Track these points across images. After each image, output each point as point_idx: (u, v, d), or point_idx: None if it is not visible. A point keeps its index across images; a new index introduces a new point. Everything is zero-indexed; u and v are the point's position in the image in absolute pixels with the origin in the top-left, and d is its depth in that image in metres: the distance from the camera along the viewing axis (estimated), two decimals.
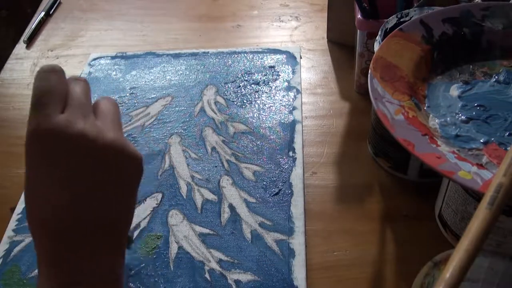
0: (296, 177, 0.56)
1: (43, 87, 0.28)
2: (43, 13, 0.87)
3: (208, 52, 0.76)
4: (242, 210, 0.53)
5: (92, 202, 0.27)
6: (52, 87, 0.28)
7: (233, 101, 0.67)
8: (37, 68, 0.77)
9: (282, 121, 0.63)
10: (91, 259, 0.27)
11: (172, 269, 0.49)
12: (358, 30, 0.60)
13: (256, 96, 0.67)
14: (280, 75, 0.70)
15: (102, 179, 0.28)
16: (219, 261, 0.49)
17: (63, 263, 0.27)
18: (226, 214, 0.53)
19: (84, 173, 0.27)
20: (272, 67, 0.72)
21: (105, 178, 0.28)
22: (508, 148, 0.41)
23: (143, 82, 0.71)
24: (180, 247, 0.50)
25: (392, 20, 0.55)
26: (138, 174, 0.30)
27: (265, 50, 0.75)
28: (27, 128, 0.27)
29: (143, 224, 0.53)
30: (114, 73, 0.74)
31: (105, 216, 0.28)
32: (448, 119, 0.44)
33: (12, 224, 0.54)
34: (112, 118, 0.30)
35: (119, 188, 0.29)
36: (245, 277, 0.47)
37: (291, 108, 0.65)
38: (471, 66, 0.49)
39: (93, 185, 0.27)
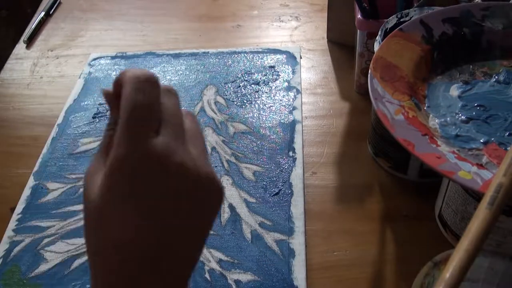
0: (296, 177, 0.56)
1: (140, 101, 0.23)
2: (43, 13, 0.87)
3: (208, 52, 0.76)
4: (242, 210, 0.53)
5: (174, 237, 0.25)
6: (149, 103, 0.24)
7: (233, 101, 0.67)
8: (37, 68, 0.77)
9: (282, 121, 0.63)
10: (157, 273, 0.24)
11: None
12: (358, 30, 0.60)
13: (256, 96, 0.67)
14: (280, 75, 0.70)
15: (189, 214, 0.25)
16: (219, 261, 0.49)
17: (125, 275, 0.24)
18: (226, 214, 0.53)
19: (174, 207, 0.24)
20: (272, 67, 0.72)
21: (192, 213, 0.25)
22: (508, 148, 0.41)
23: None
24: None
25: (392, 20, 0.55)
26: (219, 207, 0.27)
27: (265, 50, 0.75)
28: (115, 148, 0.23)
29: None
30: (114, 73, 0.74)
31: (182, 252, 0.25)
32: (448, 119, 0.44)
33: (12, 224, 0.54)
34: (201, 141, 0.27)
35: (201, 222, 0.26)
36: (245, 277, 0.47)
37: (291, 108, 0.65)
38: (471, 66, 0.49)
39: (179, 220, 0.25)
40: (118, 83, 0.25)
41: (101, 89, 0.25)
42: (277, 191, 0.55)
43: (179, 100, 0.27)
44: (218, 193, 0.26)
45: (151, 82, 0.24)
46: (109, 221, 0.24)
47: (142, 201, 0.23)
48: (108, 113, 0.67)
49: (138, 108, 0.23)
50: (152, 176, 0.23)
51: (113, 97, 0.26)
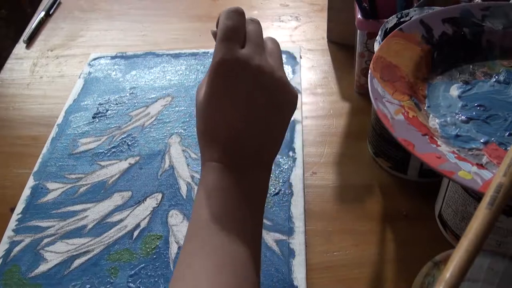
0: (296, 177, 0.56)
1: (229, 25, 0.32)
2: (43, 13, 0.87)
3: (208, 52, 0.76)
4: None
5: (259, 126, 0.32)
6: (236, 26, 0.33)
7: None
8: (37, 68, 0.77)
9: None
10: (248, 168, 0.33)
11: (172, 269, 0.49)
12: (358, 30, 0.60)
13: None
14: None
15: (269, 107, 0.33)
16: None
17: (233, 176, 0.32)
18: None
19: (257, 99, 0.32)
20: None
21: (271, 107, 0.33)
22: (508, 148, 0.41)
23: (143, 82, 0.71)
24: (180, 247, 0.50)
25: (392, 20, 0.55)
26: (294, 107, 0.35)
27: None
28: (214, 57, 0.32)
29: (143, 224, 0.53)
30: (114, 73, 0.74)
31: (265, 138, 0.33)
32: (448, 119, 0.44)
33: (12, 224, 0.54)
34: (278, 56, 0.35)
35: (280, 116, 0.34)
36: None
37: None
38: (471, 66, 0.49)
39: (262, 111, 0.32)
40: (218, 19, 0.34)
41: (210, 31, 0.36)
42: (277, 191, 0.55)
43: (261, 27, 0.35)
44: (292, 94, 0.34)
45: (237, 12, 0.33)
46: (213, 110, 0.32)
47: (236, 96, 0.32)
48: (107, 112, 0.67)
49: (228, 29, 0.32)
50: (239, 74, 0.32)
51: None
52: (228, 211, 0.31)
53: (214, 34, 0.35)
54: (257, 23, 0.35)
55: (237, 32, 0.33)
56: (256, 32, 0.34)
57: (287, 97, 0.34)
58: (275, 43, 0.36)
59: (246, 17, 0.35)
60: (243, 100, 0.32)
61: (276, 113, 0.33)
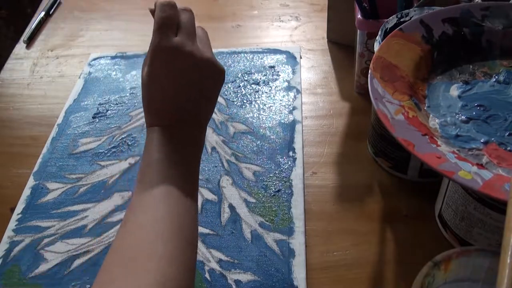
0: (296, 177, 0.56)
1: (163, 16, 0.38)
2: (43, 13, 0.87)
3: None
4: (242, 210, 0.53)
5: (191, 97, 0.39)
6: (168, 17, 0.38)
7: (233, 101, 0.67)
8: (37, 68, 0.77)
9: (282, 121, 0.63)
10: (184, 127, 0.40)
11: None
12: (358, 30, 0.60)
13: (256, 96, 0.67)
14: (280, 75, 0.70)
15: (198, 81, 0.39)
16: (219, 261, 0.49)
17: (170, 132, 0.39)
18: (226, 214, 0.53)
19: (188, 76, 0.39)
20: (272, 67, 0.72)
21: (200, 81, 0.40)
22: (509, 148, 0.41)
23: None
24: None
25: (392, 20, 0.55)
26: (222, 82, 0.42)
27: (265, 50, 0.75)
28: (151, 43, 0.38)
29: None
30: (114, 73, 0.74)
31: (198, 108, 0.40)
32: (448, 119, 0.44)
33: (12, 224, 0.54)
34: (207, 41, 0.42)
35: (210, 91, 0.41)
36: (245, 277, 0.47)
37: (291, 108, 0.65)
38: (471, 66, 0.49)
39: (193, 84, 0.39)
40: (153, 8, 0.39)
41: (148, 9, 0.41)
42: (277, 191, 0.55)
43: (193, 15, 0.40)
44: (219, 71, 0.41)
45: (169, 5, 0.38)
46: (153, 87, 0.39)
47: (170, 75, 0.38)
48: (108, 112, 0.67)
49: (162, 20, 0.38)
50: (173, 59, 0.38)
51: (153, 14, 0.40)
52: (168, 155, 0.38)
53: (152, 12, 0.40)
54: (189, 12, 0.40)
55: (169, 22, 0.38)
56: (188, 20, 0.40)
57: (214, 73, 0.41)
58: (204, 31, 0.43)
59: (184, 7, 0.40)
60: (176, 77, 0.38)
61: (206, 85, 0.40)
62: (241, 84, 0.69)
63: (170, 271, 0.31)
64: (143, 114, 0.66)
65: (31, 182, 0.59)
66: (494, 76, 0.47)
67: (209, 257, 0.49)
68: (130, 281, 0.30)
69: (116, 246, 0.33)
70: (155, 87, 0.39)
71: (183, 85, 0.39)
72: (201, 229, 0.52)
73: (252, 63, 0.73)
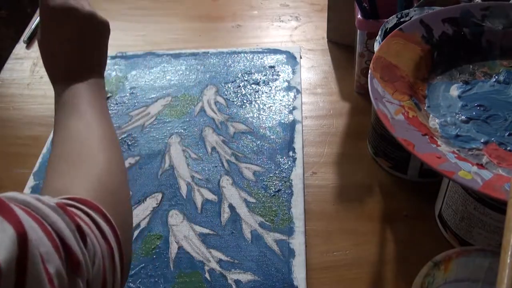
0: (296, 177, 0.56)
1: None
2: None
3: (208, 52, 0.76)
4: (242, 210, 0.53)
5: (80, 47, 0.43)
6: None
7: (233, 101, 0.67)
8: (37, 68, 0.77)
9: (282, 121, 0.63)
10: (83, 75, 0.44)
11: (172, 269, 0.49)
12: (358, 30, 0.60)
13: (256, 96, 0.67)
14: (280, 75, 0.70)
15: (84, 34, 0.43)
16: (219, 261, 0.49)
17: (67, 79, 0.43)
18: (226, 214, 0.53)
19: (75, 31, 0.43)
20: (272, 67, 0.72)
21: (86, 33, 0.43)
22: (509, 148, 0.41)
23: (143, 82, 0.71)
24: (180, 247, 0.50)
25: (392, 20, 0.55)
26: (107, 32, 0.46)
27: (265, 50, 0.75)
28: (40, 5, 0.42)
29: (143, 224, 0.53)
30: (114, 73, 0.74)
31: (90, 55, 0.44)
32: (448, 119, 0.44)
33: None
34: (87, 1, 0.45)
35: (97, 41, 0.45)
36: (245, 277, 0.47)
37: (291, 108, 0.65)
38: (471, 66, 0.49)
39: (81, 37, 0.43)
40: None
41: None
42: (277, 191, 0.55)
43: None
44: (103, 23, 0.45)
45: None
46: (46, 45, 0.44)
47: (58, 30, 0.43)
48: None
49: None
50: (60, 16, 0.42)
51: None
52: (76, 96, 0.42)
53: None
54: None
55: None
56: None
57: (98, 24, 0.44)
58: None
59: None
60: (62, 34, 0.43)
61: (92, 36, 0.44)
62: (241, 84, 0.69)
63: (107, 159, 0.37)
64: (143, 114, 0.66)
65: (31, 182, 0.59)
66: (494, 76, 0.47)
67: (209, 257, 0.49)
68: (77, 166, 0.36)
69: (54, 152, 0.39)
70: (48, 48, 0.44)
71: (71, 40, 0.43)
72: (201, 229, 0.52)
73: (252, 63, 0.73)
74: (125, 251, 0.33)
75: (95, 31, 0.44)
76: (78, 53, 0.43)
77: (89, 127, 0.39)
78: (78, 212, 0.30)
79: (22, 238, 0.23)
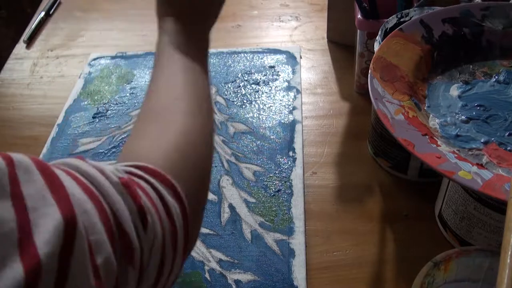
0: (296, 177, 0.56)
1: None
2: (43, 13, 0.87)
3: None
4: (242, 210, 0.53)
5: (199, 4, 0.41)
6: None
7: (233, 101, 0.67)
8: (37, 68, 0.77)
9: (282, 121, 0.63)
10: (195, 22, 0.41)
11: None
12: (358, 30, 0.60)
13: (256, 96, 0.67)
14: (280, 75, 0.70)
15: None
16: (219, 261, 0.49)
17: (183, 21, 0.40)
18: (226, 214, 0.53)
19: None
20: (272, 67, 0.72)
21: None
22: (509, 148, 0.41)
23: (143, 82, 0.71)
24: None
25: (392, 20, 0.55)
26: None
27: (265, 50, 0.75)
28: None
29: None
30: (114, 73, 0.74)
31: (209, 7, 0.42)
32: (448, 119, 0.44)
33: None
34: None
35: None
36: (245, 277, 0.47)
37: (291, 108, 0.65)
38: (471, 66, 0.49)
39: None
40: None
41: None
42: (277, 191, 0.55)
43: None
44: None
45: None
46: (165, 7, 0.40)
47: None
48: (108, 112, 0.67)
49: None
50: None
51: None
52: (186, 43, 0.39)
53: None
54: None
55: None
56: None
57: None
58: None
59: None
60: None
61: None
62: (241, 84, 0.69)
63: (192, 122, 0.34)
64: None
65: None
66: (494, 76, 0.47)
67: (209, 257, 0.49)
68: (160, 129, 0.33)
69: (146, 105, 0.37)
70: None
71: None
72: (201, 229, 0.52)
73: (252, 63, 0.73)
74: (191, 232, 0.30)
75: None
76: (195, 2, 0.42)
77: (180, 85, 0.36)
78: (144, 185, 0.28)
79: (70, 226, 0.21)
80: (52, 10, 0.89)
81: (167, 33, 0.39)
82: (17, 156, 0.22)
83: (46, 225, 0.20)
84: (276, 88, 0.68)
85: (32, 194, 0.21)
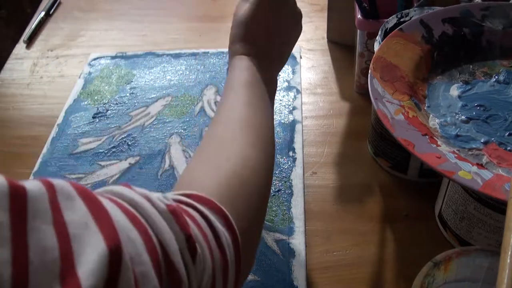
0: (296, 177, 0.56)
1: None
2: (43, 13, 0.87)
3: (208, 52, 0.76)
4: None
5: (283, 38, 0.45)
6: None
7: None
8: (37, 68, 0.77)
9: (282, 121, 0.63)
10: (271, 64, 0.44)
11: None
12: (358, 30, 0.60)
13: None
14: (280, 75, 0.70)
15: (291, 29, 0.46)
16: None
17: (261, 59, 0.43)
18: None
19: (286, 22, 0.45)
20: None
21: (292, 29, 0.46)
22: (509, 148, 0.41)
23: (143, 82, 0.71)
24: None
25: (392, 20, 0.55)
26: (299, 35, 0.48)
27: None
28: None
29: None
30: (114, 73, 0.74)
31: (284, 49, 0.46)
32: (448, 119, 0.44)
33: None
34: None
35: (294, 38, 0.47)
36: None
37: (291, 108, 0.65)
38: (471, 66, 0.49)
39: (287, 30, 0.45)
40: None
41: None
42: (277, 191, 0.55)
43: None
44: (300, 26, 0.47)
45: None
46: (257, 20, 0.43)
47: (274, 15, 0.43)
48: (108, 112, 0.67)
49: None
50: (280, 4, 0.44)
51: None
52: (256, 80, 0.41)
53: None
54: None
55: None
56: None
57: (299, 24, 0.47)
58: None
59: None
60: (279, 19, 0.43)
61: (294, 35, 0.46)
62: None
63: (251, 152, 0.35)
64: (143, 114, 0.66)
65: None
66: (494, 76, 0.47)
67: None
68: (219, 157, 0.34)
69: (208, 133, 0.38)
70: (258, 21, 0.43)
71: (281, 27, 0.44)
72: None
73: None
74: (243, 262, 0.29)
75: (298, 29, 0.47)
76: (280, 37, 0.44)
77: (245, 116, 0.37)
78: (193, 212, 0.27)
79: (115, 257, 0.19)
80: (52, 10, 0.89)
81: (240, 69, 0.42)
82: (58, 182, 0.21)
83: (90, 255, 0.18)
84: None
85: (74, 221, 0.19)
